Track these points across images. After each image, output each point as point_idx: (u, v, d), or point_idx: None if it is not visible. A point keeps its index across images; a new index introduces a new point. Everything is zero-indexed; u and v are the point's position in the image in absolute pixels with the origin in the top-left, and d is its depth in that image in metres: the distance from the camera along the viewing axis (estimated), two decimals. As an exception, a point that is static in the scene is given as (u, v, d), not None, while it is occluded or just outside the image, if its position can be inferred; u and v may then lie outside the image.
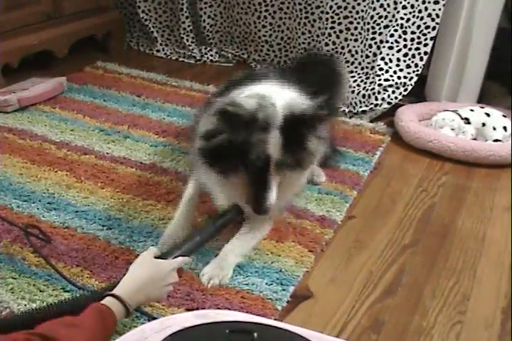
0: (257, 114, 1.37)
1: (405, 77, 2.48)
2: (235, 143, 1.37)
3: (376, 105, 2.48)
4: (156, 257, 1.32)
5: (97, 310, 1.12)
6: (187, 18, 3.07)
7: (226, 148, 1.39)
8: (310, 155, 1.49)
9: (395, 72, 2.48)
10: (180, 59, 3.13)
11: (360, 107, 2.51)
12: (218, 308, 1.39)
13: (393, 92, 2.48)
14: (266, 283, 1.50)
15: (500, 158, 2.17)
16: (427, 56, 2.45)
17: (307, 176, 1.79)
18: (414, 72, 2.47)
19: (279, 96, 1.44)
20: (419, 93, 2.59)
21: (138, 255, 1.33)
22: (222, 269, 1.52)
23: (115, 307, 1.15)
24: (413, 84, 2.48)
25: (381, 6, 2.46)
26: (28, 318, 1.16)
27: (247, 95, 1.46)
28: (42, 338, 0.96)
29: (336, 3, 2.58)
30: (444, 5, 2.35)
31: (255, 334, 0.78)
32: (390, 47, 2.45)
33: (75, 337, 1.01)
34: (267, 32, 2.95)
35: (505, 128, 2.30)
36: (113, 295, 1.18)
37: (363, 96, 2.52)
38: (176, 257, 1.34)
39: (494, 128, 2.29)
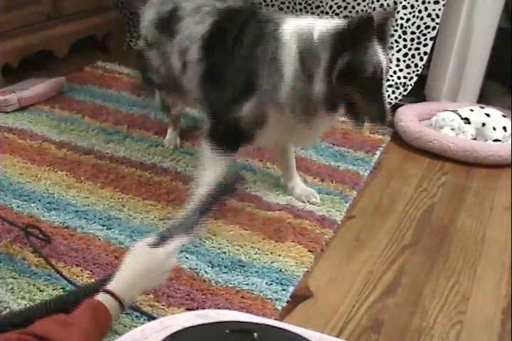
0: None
1: (405, 77, 2.48)
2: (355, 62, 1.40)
3: (376, 105, 2.48)
4: (152, 244, 1.25)
5: (90, 307, 1.10)
6: (187, 18, 3.06)
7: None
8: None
9: (394, 72, 2.48)
10: (180, 59, 3.13)
11: (360, 107, 2.51)
12: (218, 308, 1.39)
13: (393, 92, 2.48)
14: (266, 283, 1.50)
15: (500, 158, 2.17)
16: (427, 56, 2.45)
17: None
18: (414, 72, 2.47)
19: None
20: (419, 93, 2.59)
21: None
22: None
23: (109, 303, 1.13)
24: (413, 84, 2.48)
25: (381, 6, 2.46)
26: (22, 316, 1.16)
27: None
28: (36, 338, 0.94)
29: (336, 3, 2.58)
30: (444, 5, 2.35)
31: (255, 334, 0.77)
32: (390, 47, 2.45)
33: (70, 336, 0.99)
34: (266, 32, 2.94)
35: (505, 128, 2.29)
36: (107, 291, 1.16)
37: (363, 96, 2.52)
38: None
39: (494, 129, 2.29)
